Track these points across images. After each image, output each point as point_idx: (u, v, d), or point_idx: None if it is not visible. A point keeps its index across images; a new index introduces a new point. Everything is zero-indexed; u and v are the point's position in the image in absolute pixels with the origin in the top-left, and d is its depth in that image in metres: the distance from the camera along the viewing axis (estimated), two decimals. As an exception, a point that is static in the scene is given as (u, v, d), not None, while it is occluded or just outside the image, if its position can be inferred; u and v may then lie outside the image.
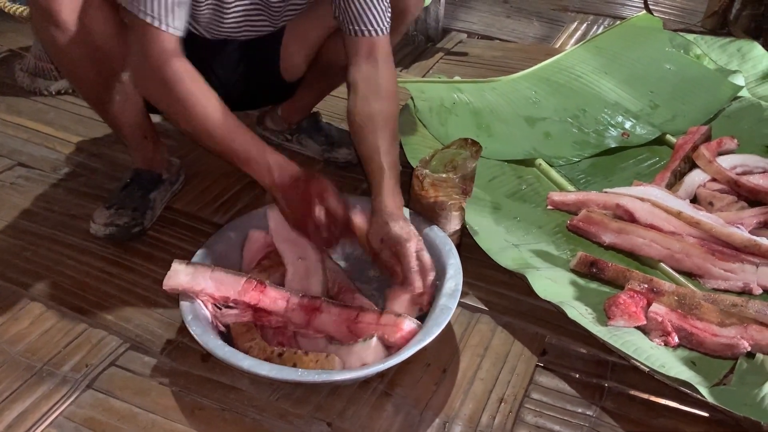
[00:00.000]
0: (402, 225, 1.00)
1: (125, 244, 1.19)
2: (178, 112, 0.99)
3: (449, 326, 1.05)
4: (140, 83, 1.03)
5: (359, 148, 1.10)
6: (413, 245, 0.98)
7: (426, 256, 0.98)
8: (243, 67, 1.25)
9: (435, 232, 1.08)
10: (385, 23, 1.10)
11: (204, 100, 0.97)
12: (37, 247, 1.20)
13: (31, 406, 0.92)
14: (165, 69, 0.95)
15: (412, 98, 1.48)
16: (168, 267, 1.10)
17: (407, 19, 1.24)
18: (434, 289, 0.99)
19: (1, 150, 1.47)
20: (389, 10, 1.10)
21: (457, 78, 1.63)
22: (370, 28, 1.09)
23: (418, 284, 0.96)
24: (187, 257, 1.02)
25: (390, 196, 1.03)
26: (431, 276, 0.98)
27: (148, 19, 0.93)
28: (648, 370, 0.92)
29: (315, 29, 1.23)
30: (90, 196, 1.31)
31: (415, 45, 2.03)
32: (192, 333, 0.90)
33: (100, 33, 1.02)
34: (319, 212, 0.99)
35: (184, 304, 0.94)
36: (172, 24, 0.95)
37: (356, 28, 1.09)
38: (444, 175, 1.08)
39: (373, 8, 1.08)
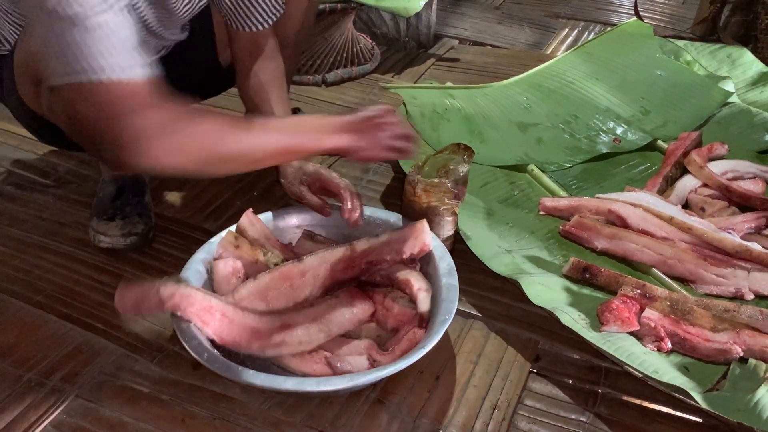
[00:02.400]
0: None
1: (116, 252, 1.18)
2: (208, 161, 0.83)
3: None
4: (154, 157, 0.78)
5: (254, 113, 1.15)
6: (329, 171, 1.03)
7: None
8: (180, 65, 1.23)
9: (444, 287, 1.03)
10: (271, 14, 1.12)
11: (221, 129, 0.83)
12: (26, 254, 1.18)
13: (18, 416, 0.91)
14: (165, 126, 0.78)
15: (404, 104, 1.48)
16: (160, 275, 1.09)
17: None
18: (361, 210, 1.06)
19: (-11, 157, 1.46)
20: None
21: (449, 84, 1.63)
22: (258, 24, 1.12)
23: (350, 203, 1.02)
24: (178, 265, 1.01)
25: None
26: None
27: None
28: (641, 376, 0.92)
29: None
30: (80, 204, 1.30)
31: (407, 51, 2.03)
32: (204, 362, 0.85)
33: None
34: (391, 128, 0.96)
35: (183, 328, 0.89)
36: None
37: (243, 25, 1.12)
38: (436, 180, 1.08)
39: (258, 7, 1.10)
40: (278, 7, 1.13)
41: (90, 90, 0.74)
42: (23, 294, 1.10)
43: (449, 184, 1.07)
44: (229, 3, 1.10)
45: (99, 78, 0.73)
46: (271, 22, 1.14)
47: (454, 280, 0.97)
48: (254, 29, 1.12)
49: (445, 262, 1.00)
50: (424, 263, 1.04)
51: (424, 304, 0.95)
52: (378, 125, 0.95)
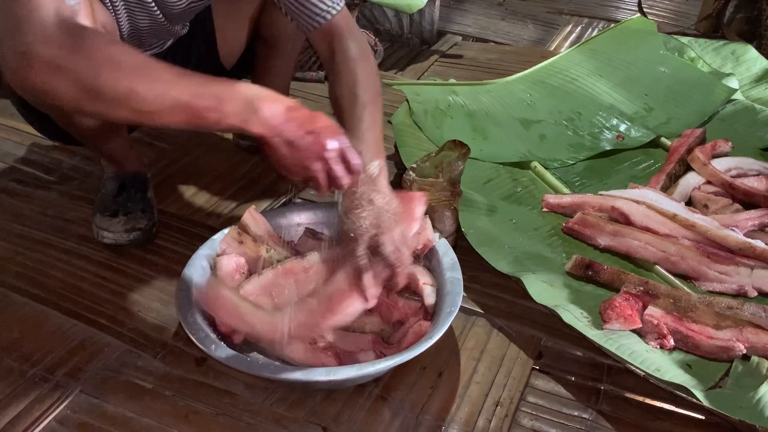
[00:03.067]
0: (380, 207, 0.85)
1: (119, 248, 1.18)
2: (122, 87, 0.73)
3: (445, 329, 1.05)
4: (34, 74, 0.72)
5: (344, 126, 0.94)
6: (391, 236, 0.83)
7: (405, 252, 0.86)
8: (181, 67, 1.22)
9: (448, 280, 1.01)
10: (327, 4, 0.98)
11: (124, 60, 0.74)
12: (31, 251, 1.19)
13: (23, 411, 0.91)
14: (71, 36, 0.72)
15: (407, 100, 1.48)
16: (163, 271, 1.09)
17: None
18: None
19: (-7, 153, 1.46)
20: None
21: (452, 80, 1.63)
22: (321, 17, 0.99)
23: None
24: (181, 261, 1.01)
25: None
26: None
27: None
28: (643, 374, 0.92)
29: (245, 4, 1.19)
30: (84, 200, 1.31)
31: (410, 47, 2.03)
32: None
33: None
34: (331, 153, 0.79)
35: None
36: None
37: (307, 24, 1.01)
38: (431, 180, 1.08)
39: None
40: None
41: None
42: (27, 290, 1.11)
43: (444, 183, 1.07)
44: (288, 7, 1.02)
45: None
46: (332, 12, 1.00)
47: (458, 274, 0.98)
48: (314, 26, 1.01)
49: (448, 257, 1.01)
50: (426, 259, 1.04)
51: (429, 297, 0.96)
52: (322, 132, 0.79)
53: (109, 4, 0.95)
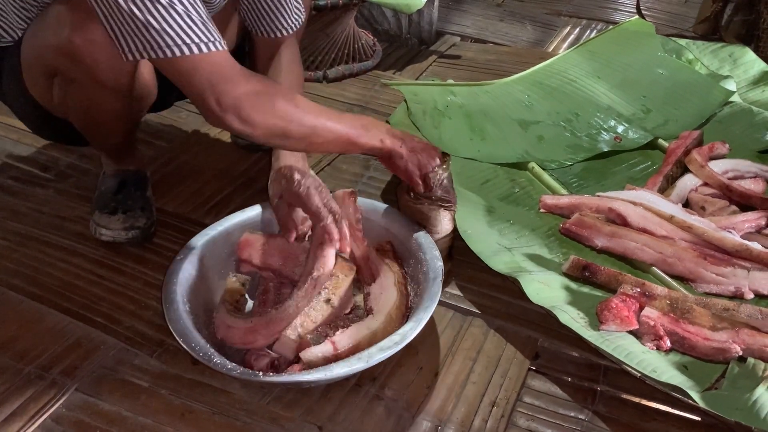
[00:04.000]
0: (305, 179, 0.99)
1: (116, 246, 1.18)
2: (281, 134, 0.93)
3: (442, 330, 1.05)
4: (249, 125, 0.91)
5: None
6: (316, 193, 0.96)
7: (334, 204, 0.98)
8: None
9: (431, 261, 1.01)
10: (294, 20, 1.14)
11: (299, 107, 0.94)
12: (27, 248, 1.19)
13: (18, 410, 0.91)
14: (259, 96, 0.89)
15: (405, 101, 1.48)
16: (160, 269, 1.09)
17: None
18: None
19: (-10, 150, 1.46)
20: (295, 3, 1.13)
21: (450, 81, 1.63)
22: (282, 29, 1.13)
23: (327, 219, 0.93)
24: (178, 259, 1.02)
25: (288, 158, 1.08)
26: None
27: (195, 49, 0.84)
28: (639, 375, 0.92)
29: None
30: (80, 198, 1.30)
31: (409, 48, 2.03)
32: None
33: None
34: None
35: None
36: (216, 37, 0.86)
37: (266, 31, 1.12)
38: (422, 199, 1.07)
39: (282, 12, 1.11)
40: (300, 14, 1.14)
41: (178, 64, 0.85)
42: (23, 287, 1.10)
43: (434, 197, 1.06)
44: (252, 8, 1.10)
45: (185, 52, 0.83)
46: (294, 28, 1.14)
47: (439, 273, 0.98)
48: (277, 35, 1.13)
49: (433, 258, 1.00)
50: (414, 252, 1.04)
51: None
52: (428, 146, 1.04)
53: None
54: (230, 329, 0.92)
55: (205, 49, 0.84)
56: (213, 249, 1.04)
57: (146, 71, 1.02)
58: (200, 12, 0.85)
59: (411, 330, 0.88)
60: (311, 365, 0.86)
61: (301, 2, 1.14)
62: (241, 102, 0.88)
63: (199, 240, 1.04)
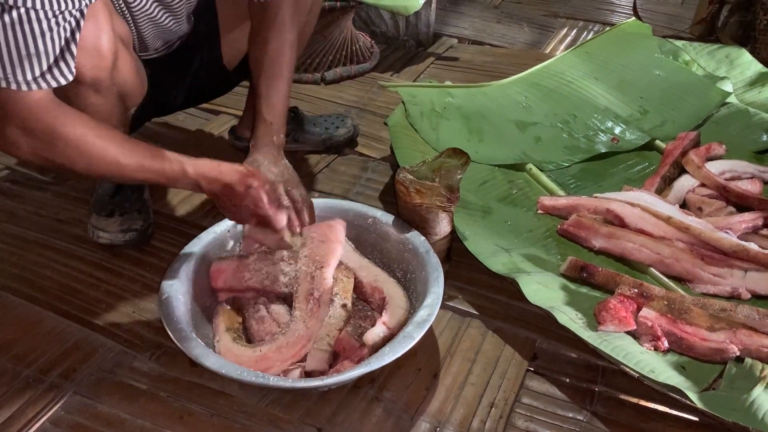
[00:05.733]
0: (276, 169, 1.02)
1: (114, 249, 1.18)
2: (74, 160, 0.88)
3: (441, 331, 1.05)
4: (21, 149, 0.86)
5: (255, 82, 1.14)
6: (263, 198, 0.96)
7: (297, 193, 1.01)
8: (184, 67, 1.24)
9: (430, 258, 1.03)
10: None
11: (96, 135, 0.87)
12: (25, 251, 1.18)
13: (17, 412, 0.91)
14: (40, 120, 0.84)
15: (403, 102, 1.48)
16: (158, 271, 1.09)
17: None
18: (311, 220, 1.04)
19: (-12, 153, 1.46)
20: None
21: (448, 83, 1.64)
22: None
23: (278, 218, 0.96)
24: (176, 262, 1.02)
25: (261, 139, 1.09)
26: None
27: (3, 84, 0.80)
28: (638, 375, 0.92)
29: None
30: (79, 200, 1.30)
31: (406, 50, 2.03)
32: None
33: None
34: (266, 209, 0.96)
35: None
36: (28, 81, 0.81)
37: None
38: (428, 183, 1.08)
39: None
40: None
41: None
42: (21, 290, 1.10)
43: (442, 190, 1.07)
44: None
45: (4, 84, 0.79)
46: None
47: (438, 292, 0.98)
48: None
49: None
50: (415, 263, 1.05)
51: (372, 336, 0.93)
52: (245, 195, 0.95)
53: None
54: (239, 359, 0.91)
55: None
56: (211, 251, 1.04)
57: (125, 67, 0.99)
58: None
59: (421, 325, 0.91)
60: (375, 347, 0.91)
61: None
62: (23, 136, 0.84)
63: (197, 242, 1.04)
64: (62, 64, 0.82)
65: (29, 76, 0.80)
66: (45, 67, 0.81)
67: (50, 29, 0.79)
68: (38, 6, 0.76)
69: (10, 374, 0.96)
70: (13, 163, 1.42)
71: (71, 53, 0.83)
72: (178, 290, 0.96)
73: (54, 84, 0.82)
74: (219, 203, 0.98)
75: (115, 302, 1.09)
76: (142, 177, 0.93)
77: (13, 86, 0.80)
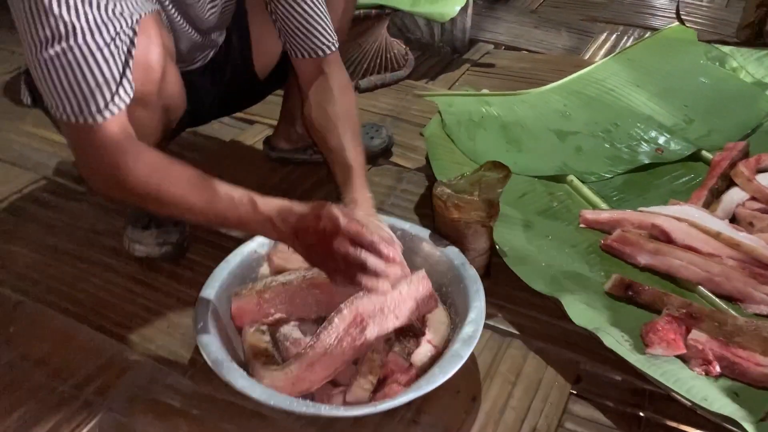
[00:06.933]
0: (366, 216, 0.95)
1: (150, 262, 1.18)
2: (156, 205, 0.87)
3: (480, 351, 1.02)
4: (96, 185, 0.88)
5: (322, 150, 1.09)
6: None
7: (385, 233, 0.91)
8: (219, 76, 1.23)
9: (466, 270, 1.01)
10: (332, 38, 1.07)
11: (175, 185, 0.86)
12: (61, 263, 1.19)
13: (52, 429, 0.90)
14: (117, 169, 0.83)
15: (439, 112, 1.46)
16: (193, 285, 1.08)
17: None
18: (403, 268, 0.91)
19: (26, 164, 1.47)
20: (330, 22, 1.07)
21: (485, 91, 1.60)
22: (319, 49, 1.06)
23: (390, 250, 0.84)
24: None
25: (358, 191, 1.01)
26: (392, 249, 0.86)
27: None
28: (690, 404, 0.88)
29: None
30: (114, 212, 1.30)
31: (441, 56, 2.00)
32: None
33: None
34: (339, 245, 0.83)
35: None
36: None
37: (303, 51, 1.07)
38: (467, 197, 1.05)
39: (316, 29, 1.05)
40: (330, 26, 1.08)
41: (72, 127, 0.81)
42: (57, 303, 1.10)
43: (481, 204, 1.04)
44: (285, 26, 1.06)
45: (78, 120, 0.80)
46: (335, 46, 1.08)
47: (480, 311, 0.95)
48: (318, 54, 1.07)
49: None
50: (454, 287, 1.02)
51: (420, 357, 0.91)
52: (328, 249, 0.83)
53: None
54: (274, 384, 0.88)
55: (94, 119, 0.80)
56: (246, 267, 1.03)
57: (171, 80, 1.00)
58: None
59: (468, 343, 0.89)
60: (423, 369, 0.89)
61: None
62: (130, 176, 0.83)
63: (233, 258, 1.03)
64: (125, 83, 0.82)
65: (101, 105, 0.80)
66: (113, 92, 0.80)
67: (111, 55, 0.79)
68: (89, 38, 0.77)
69: (46, 389, 0.96)
70: (50, 173, 1.43)
71: (130, 69, 0.82)
72: (211, 317, 0.94)
73: (122, 106, 0.82)
74: (296, 243, 0.87)
75: (149, 317, 1.08)
76: (217, 223, 0.94)
77: (89, 120, 0.80)
